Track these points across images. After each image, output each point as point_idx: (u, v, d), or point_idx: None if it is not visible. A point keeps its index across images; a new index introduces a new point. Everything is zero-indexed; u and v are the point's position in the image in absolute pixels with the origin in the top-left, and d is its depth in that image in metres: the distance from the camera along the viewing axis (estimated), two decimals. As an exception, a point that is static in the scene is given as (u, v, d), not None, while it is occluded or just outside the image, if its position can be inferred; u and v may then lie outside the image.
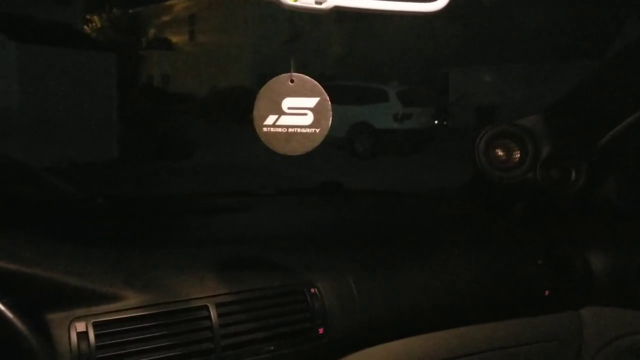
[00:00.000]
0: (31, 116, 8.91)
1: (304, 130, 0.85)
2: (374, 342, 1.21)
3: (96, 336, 0.90)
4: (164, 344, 0.95)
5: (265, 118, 0.86)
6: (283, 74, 0.87)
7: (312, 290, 1.12)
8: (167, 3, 21.19)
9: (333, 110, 0.87)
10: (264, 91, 0.87)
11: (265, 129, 0.86)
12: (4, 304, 0.65)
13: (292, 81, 0.86)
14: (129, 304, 0.96)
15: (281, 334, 1.06)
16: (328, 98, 0.85)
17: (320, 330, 1.09)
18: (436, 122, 11.65)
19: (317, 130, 0.85)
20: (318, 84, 0.86)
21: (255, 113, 0.86)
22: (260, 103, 0.86)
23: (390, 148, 10.37)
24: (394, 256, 1.31)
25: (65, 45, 9.79)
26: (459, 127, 11.56)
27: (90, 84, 9.78)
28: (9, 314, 0.65)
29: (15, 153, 8.33)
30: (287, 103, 0.86)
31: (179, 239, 1.24)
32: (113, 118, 10.23)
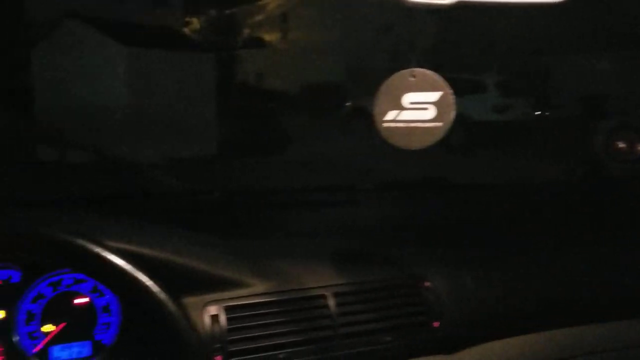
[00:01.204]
0: (139, 116, 9.49)
1: (425, 125, 0.86)
2: (489, 338, 1.20)
3: (228, 319, 0.97)
4: (287, 329, 1.00)
5: (385, 114, 0.88)
6: (403, 70, 0.88)
7: (426, 283, 1.13)
8: (261, 2, 21.76)
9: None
10: (384, 87, 0.89)
11: (385, 125, 0.88)
12: (159, 286, 0.72)
13: (413, 76, 0.87)
14: (256, 290, 1.01)
15: (397, 325, 1.08)
16: (451, 92, 0.86)
17: (436, 324, 1.10)
18: (538, 113, 11.16)
19: (440, 125, 0.85)
20: (441, 78, 0.86)
21: (376, 109, 0.88)
22: (380, 99, 0.88)
23: (489, 140, 10.06)
24: (506, 250, 1.29)
25: (167, 48, 10.36)
26: (562, 118, 11.01)
27: (191, 84, 10.28)
28: (162, 296, 0.71)
29: (124, 150, 8.91)
30: (409, 98, 0.87)
31: (293, 231, 1.29)
32: (213, 115, 10.69)
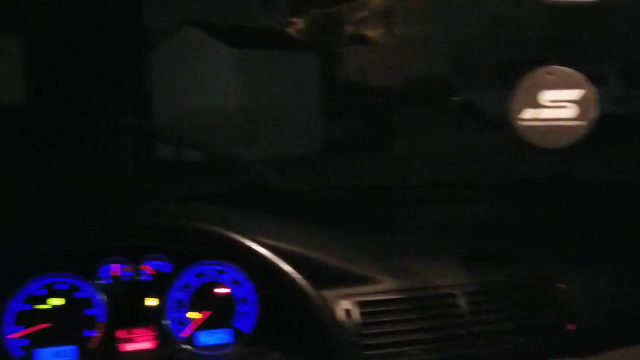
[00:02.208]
0: (246, 115, 9.86)
1: (566, 123, 0.85)
2: (624, 342, 1.15)
3: (361, 314, 1.00)
4: (418, 326, 1.02)
5: (521, 112, 0.87)
6: (540, 67, 0.87)
7: (559, 285, 1.10)
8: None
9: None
10: (520, 85, 0.88)
11: (522, 123, 0.87)
12: (305, 279, 0.76)
13: (551, 74, 0.86)
14: (386, 287, 1.04)
15: (529, 326, 1.07)
16: (594, 89, 0.83)
17: (570, 327, 1.07)
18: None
19: (583, 123, 0.83)
20: (581, 76, 0.84)
21: (512, 107, 0.88)
22: (516, 97, 0.88)
23: (611, 134, 9.42)
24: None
25: (273, 48, 10.65)
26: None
27: (296, 83, 10.51)
28: (308, 289, 0.76)
29: (233, 148, 9.32)
30: (547, 96, 0.86)
31: (418, 228, 1.31)
32: (317, 113, 10.87)
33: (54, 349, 1.05)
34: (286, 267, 0.76)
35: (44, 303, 1.05)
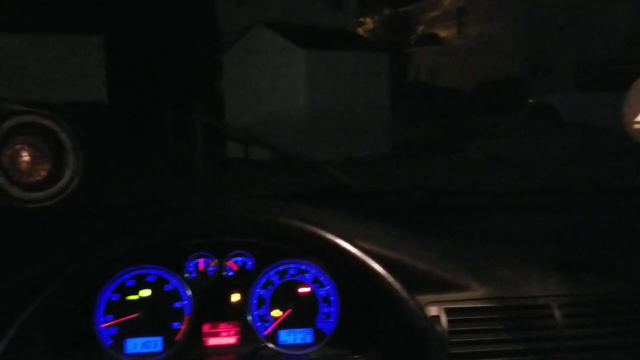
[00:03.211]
0: (316, 115, 9.92)
1: (686, 127, 0.78)
2: None
3: (448, 321, 0.97)
4: (509, 337, 0.97)
5: (637, 114, 0.82)
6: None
7: None
8: (435, -1, 21.48)
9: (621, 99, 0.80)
10: (635, 87, 0.82)
11: (637, 126, 0.82)
12: (400, 283, 0.74)
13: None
14: (476, 294, 1.00)
15: (628, 343, 1.00)
16: None
17: None
18: None
19: None
20: None
21: (626, 110, 0.83)
22: (631, 100, 0.82)
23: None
24: None
25: (343, 49, 10.65)
26: None
27: (365, 84, 10.47)
28: (403, 293, 0.74)
29: (302, 149, 9.40)
30: (664, 98, 0.80)
31: (506, 235, 1.25)
32: (387, 115, 10.79)
33: (142, 339, 1.07)
34: (380, 270, 0.74)
35: (133, 294, 1.08)
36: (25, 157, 0.94)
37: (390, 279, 0.75)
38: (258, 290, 1.12)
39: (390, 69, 11.03)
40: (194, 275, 1.11)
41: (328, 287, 1.13)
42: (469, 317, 0.98)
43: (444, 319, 0.97)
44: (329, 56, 10.20)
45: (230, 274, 1.12)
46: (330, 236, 0.75)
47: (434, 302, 0.98)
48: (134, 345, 1.07)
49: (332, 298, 1.12)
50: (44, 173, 0.95)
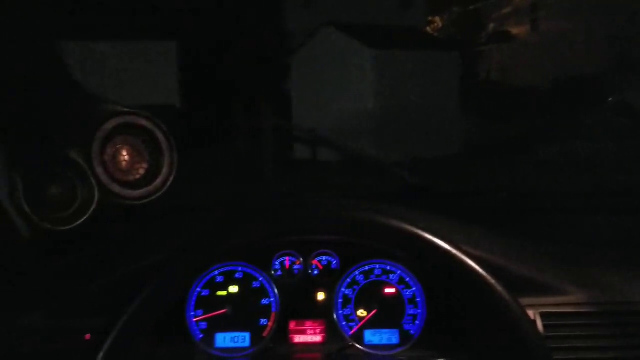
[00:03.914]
0: (385, 116, 9.85)
1: None
2: None
3: (544, 326, 0.93)
4: (611, 344, 0.93)
5: None
6: None
7: None
8: (505, -5, 20.77)
9: None
10: None
11: None
12: (502, 286, 0.72)
13: None
14: (574, 299, 0.96)
15: None
16: None
17: None
18: None
19: None
20: None
21: None
22: None
23: None
24: None
25: (412, 48, 10.53)
26: None
27: (435, 83, 10.31)
28: (506, 296, 0.72)
29: (370, 149, 9.37)
30: None
31: (603, 238, 1.20)
32: (457, 115, 10.58)
33: (230, 334, 1.09)
34: (484, 273, 0.72)
35: (222, 290, 1.11)
36: (125, 156, 0.98)
37: (492, 281, 0.73)
38: (343, 289, 1.12)
39: (461, 68, 10.78)
40: (280, 273, 1.12)
41: (414, 289, 1.11)
42: (568, 322, 0.94)
43: (539, 324, 0.93)
44: (398, 56, 10.08)
45: (316, 272, 1.12)
46: (434, 239, 0.73)
47: (529, 307, 0.95)
48: (223, 339, 1.09)
49: (418, 299, 1.11)
50: (142, 172, 0.99)
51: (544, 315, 0.94)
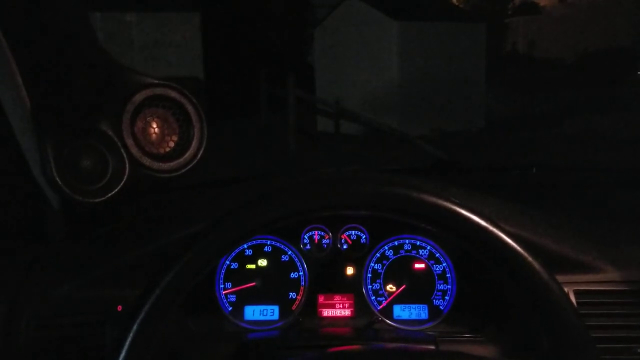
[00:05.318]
0: (408, 89, 9.73)
1: None
2: None
3: (578, 304, 0.92)
4: None
5: None
6: None
7: None
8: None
9: None
10: None
11: None
12: (541, 264, 0.71)
13: None
14: (608, 277, 0.94)
15: None
16: None
17: None
18: None
19: None
20: None
21: None
22: None
23: None
24: None
25: (437, 20, 10.33)
26: None
27: (460, 56, 10.12)
28: (545, 275, 0.70)
29: (394, 123, 9.29)
30: None
31: (630, 213, 1.17)
32: (482, 88, 10.40)
33: (259, 307, 1.10)
34: (521, 250, 0.71)
35: (251, 263, 1.11)
36: (155, 128, 0.98)
37: (530, 259, 0.71)
38: (372, 264, 1.11)
39: (486, 40, 10.59)
40: (309, 247, 1.12)
41: (444, 264, 1.10)
42: (601, 300, 0.92)
43: (573, 301, 0.92)
44: (422, 27, 9.93)
45: (345, 247, 1.12)
46: (470, 214, 0.72)
47: (563, 284, 0.93)
48: (252, 312, 1.10)
49: (448, 275, 1.10)
50: (172, 144, 0.99)
51: (577, 293, 0.93)
